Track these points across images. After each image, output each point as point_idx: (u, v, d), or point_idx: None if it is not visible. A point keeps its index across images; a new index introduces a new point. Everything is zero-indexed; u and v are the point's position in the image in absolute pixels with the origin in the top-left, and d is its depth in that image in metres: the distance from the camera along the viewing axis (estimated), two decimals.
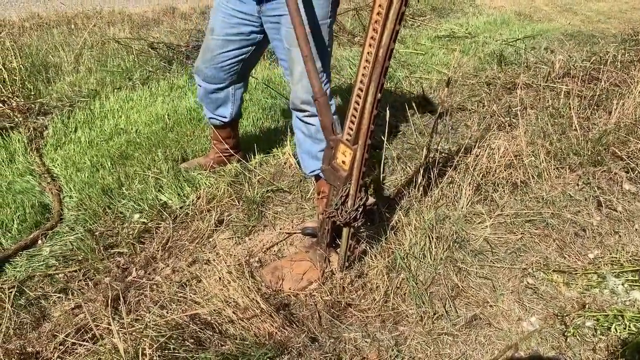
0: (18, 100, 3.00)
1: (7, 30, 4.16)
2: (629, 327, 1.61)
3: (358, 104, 1.48)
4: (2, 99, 2.96)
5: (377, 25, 1.36)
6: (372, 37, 1.39)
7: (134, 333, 1.34)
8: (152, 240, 2.02)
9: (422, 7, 6.78)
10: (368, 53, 1.41)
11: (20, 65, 3.27)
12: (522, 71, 4.37)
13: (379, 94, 1.43)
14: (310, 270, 1.81)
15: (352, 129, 1.53)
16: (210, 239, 2.05)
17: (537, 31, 6.36)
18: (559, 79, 4.12)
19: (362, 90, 1.46)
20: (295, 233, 2.09)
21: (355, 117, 1.50)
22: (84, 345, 1.40)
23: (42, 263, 1.85)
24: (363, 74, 1.45)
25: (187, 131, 2.93)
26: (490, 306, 1.72)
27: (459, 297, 1.74)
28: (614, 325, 1.62)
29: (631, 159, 2.45)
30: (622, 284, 1.83)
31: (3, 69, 3.10)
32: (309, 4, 1.77)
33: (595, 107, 3.42)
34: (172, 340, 1.36)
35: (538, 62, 4.73)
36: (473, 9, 7.56)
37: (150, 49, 4.14)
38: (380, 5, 1.33)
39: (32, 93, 3.19)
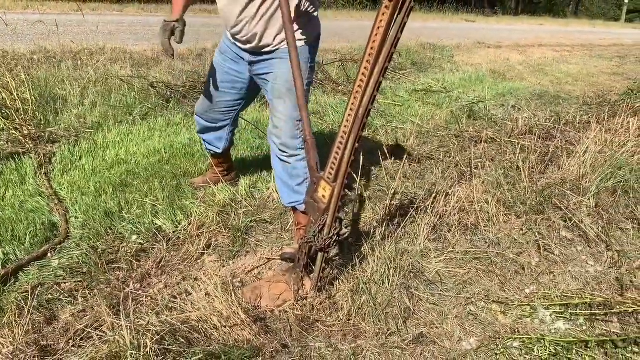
0: (30, 128, 3.29)
1: (21, 63, 4.49)
2: (549, 348, 1.93)
3: (339, 149, 1.82)
4: (15, 126, 3.26)
5: (359, 91, 1.72)
6: (353, 100, 1.74)
7: (137, 328, 1.61)
8: (148, 259, 2.29)
9: (403, 62, 7.31)
10: (350, 109, 1.76)
11: (32, 97, 3.58)
12: (489, 126, 4.81)
13: (357, 144, 1.78)
14: (286, 292, 2.10)
15: (332, 169, 1.86)
16: (199, 261, 2.33)
17: (508, 90, 6.88)
18: (521, 135, 4.53)
19: (343, 139, 1.80)
20: (274, 259, 2.39)
21: (336, 160, 1.84)
22: (97, 334, 1.67)
23: (51, 273, 2.11)
24: (345, 125, 1.79)
25: (182, 164, 3.24)
26: (436, 327, 2.02)
27: (410, 318, 2.04)
28: (536, 346, 1.93)
29: (569, 210, 2.82)
30: (550, 315, 2.15)
31: (17, 99, 3.41)
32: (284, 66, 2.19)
33: (550, 163, 3.83)
34: (167, 337, 1.65)
35: (504, 118, 5.18)
36: (451, 65, 8.12)
37: (150, 88, 4.50)
38: (361, 80, 1.70)
39: (42, 122, 3.50)
